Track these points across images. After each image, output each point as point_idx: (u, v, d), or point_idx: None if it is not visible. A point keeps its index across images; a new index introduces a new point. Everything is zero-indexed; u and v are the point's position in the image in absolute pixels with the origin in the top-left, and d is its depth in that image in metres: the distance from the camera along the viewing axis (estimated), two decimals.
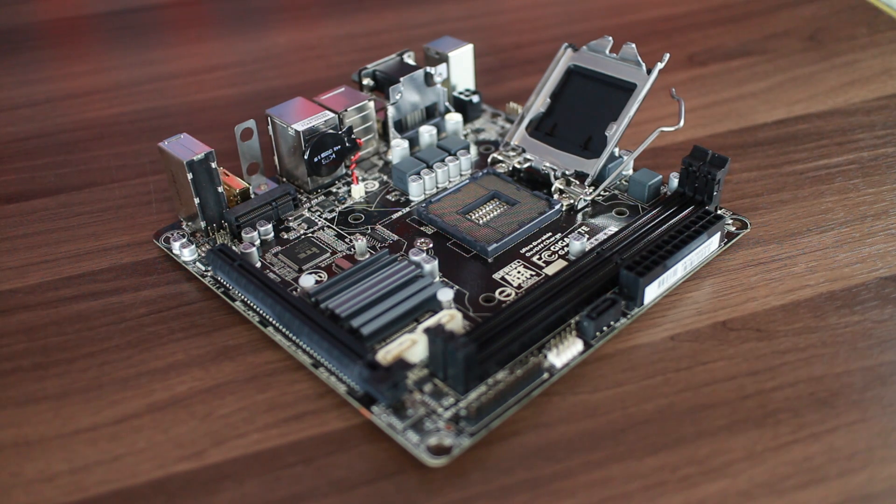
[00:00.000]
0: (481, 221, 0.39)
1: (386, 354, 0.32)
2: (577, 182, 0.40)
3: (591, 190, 0.40)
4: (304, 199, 0.42)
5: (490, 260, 0.37)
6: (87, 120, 0.51)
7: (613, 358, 0.33)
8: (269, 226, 0.39)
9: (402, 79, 0.43)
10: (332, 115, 0.41)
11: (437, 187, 0.42)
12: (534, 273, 0.36)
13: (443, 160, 0.42)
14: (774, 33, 0.57)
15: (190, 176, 0.37)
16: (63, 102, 0.53)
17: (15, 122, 0.51)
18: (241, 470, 0.29)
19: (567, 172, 0.40)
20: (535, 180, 0.42)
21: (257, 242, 0.38)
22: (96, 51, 0.61)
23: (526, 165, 0.42)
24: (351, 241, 0.39)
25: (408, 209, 0.41)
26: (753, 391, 0.31)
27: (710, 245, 0.37)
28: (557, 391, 0.32)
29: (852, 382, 0.32)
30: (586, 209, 0.40)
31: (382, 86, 0.44)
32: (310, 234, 0.39)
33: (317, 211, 0.41)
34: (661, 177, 0.40)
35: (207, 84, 0.55)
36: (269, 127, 0.41)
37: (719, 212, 0.39)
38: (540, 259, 0.37)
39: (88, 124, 0.51)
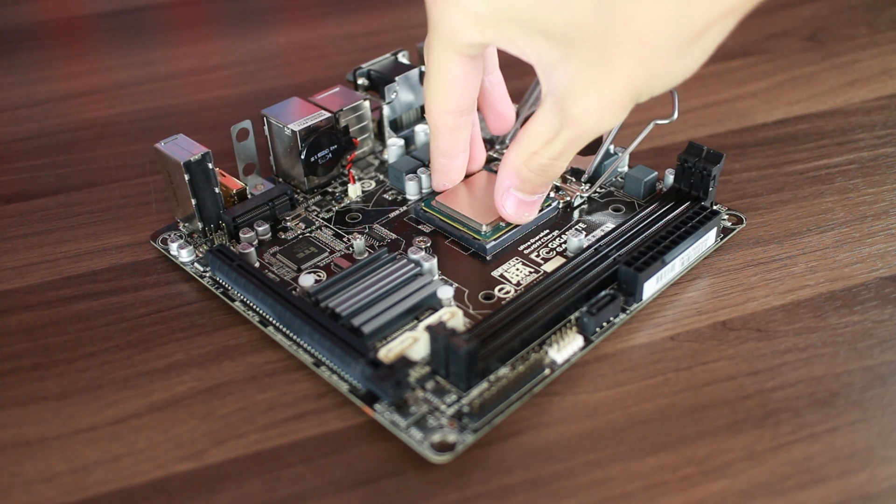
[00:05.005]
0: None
1: (388, 352, 0.32)
2: (574, 179, 0.40)
3: (587, 187, 0.40)
4: (301, 199, 0.42)
5: (488, 258, 0.37)
6: (87, 120, 0.51)
7: (613, 358, 0.33)
8: (267, 226, 0.39)
9: (397, 78, 0.43)
10: (328, 114, 0.41)
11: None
12: (532, 270, 0.36)
13: None
14: (774, 33, 0.57)
15: (187, 177, 0.37)
16: (63, 102, 0.53)
17: (15, 122, 0.51)
18: (241, 470, 0.29)
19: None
20: None
21: (255, 242, 0.38)
22: (96, 51, 0.61)
23: None
24: (349, 240, 0.39)
25: (405, 208, 0.41)
26: (753, 391, 0.31)
27: (706, 240, 0.37)
28: (557, 391, 0.32)
29: (852, 382, 0.32)
30: (583, 206, 0.40)
31: (377, 85, 0.44)
32: (308, 234, 0.39)
33: (314, 211, 0.41)
34: (656, 173, 0.40)
35: (207, 84, 0.55)
36: (265, 127, 0.41)
37: (715, 207, 0.39)
38: (538, 256, 0.37)
39: (88, 124, 0.51)
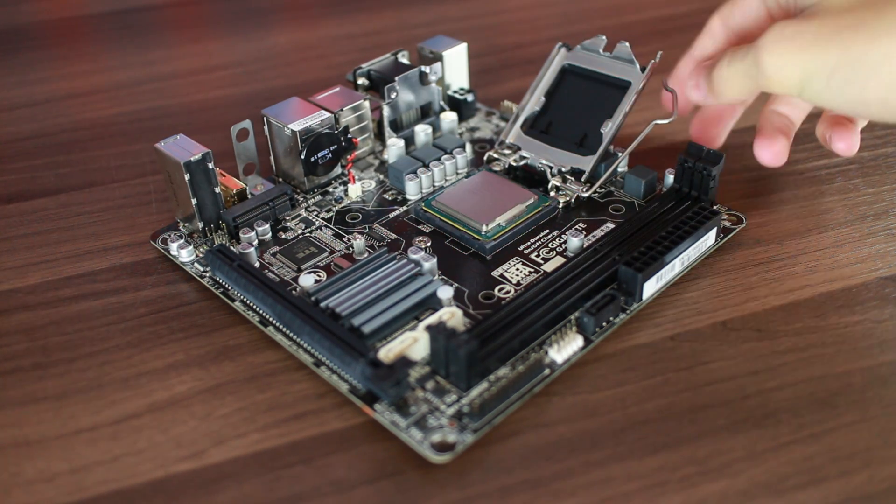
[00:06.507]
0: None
1: (388, 352, 0.32)
2: (573, 179, 0.40)
3: (587, 187, 0.40)
4: (301, 199, 0.42)
5: (488, 258, 0.37)
6: (87, 120, 0.51)
7: (613, 358, 0.33)
8: (267, 226, 0.39)
9: (396, 78, 0.43)
10: (328, 114, 0.41)
11: (434, 186, 0.42)
12: (532, 270, 0.36)
13: (439, 159, 0.42)
14: None
15: (187, 177, 0.37)
16: (63, 102, 0.53)
17: (15, 122, 0.51)
18: (241, 470, 0.29)
19: (563, 169, 0.41)
20: (531, 178, 0.42)
21: (255, 242, 0.38)
22: (96, 51, 0.61)
23: (522, 163, 0.42)
24: (349, 240, 0.39)
25: (405, 208, 0.41)
26: (753, 391, 0.31)
27: (706, 240, 0.37)
28: (557, 391, 0.32)
29: (852, 382, 0.32)
30: (583, 206, 0.40)
31: (377, 85, 0.44)
32: (308, 234, 0.39)
33: (314, 211, 0.41)
34: (656, 173, 0.41)
35: (207, 84, 0.55)
36: (265, 127, 0.41)
37: (715, 207, 0.39)
38: (538, 256, 0.37)
39: (88, 124, 0.51)
